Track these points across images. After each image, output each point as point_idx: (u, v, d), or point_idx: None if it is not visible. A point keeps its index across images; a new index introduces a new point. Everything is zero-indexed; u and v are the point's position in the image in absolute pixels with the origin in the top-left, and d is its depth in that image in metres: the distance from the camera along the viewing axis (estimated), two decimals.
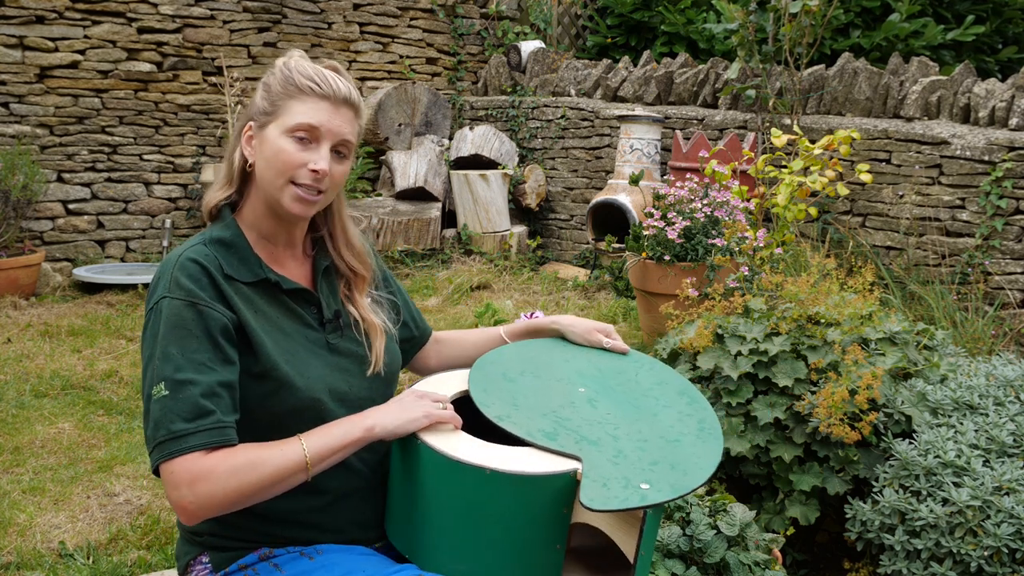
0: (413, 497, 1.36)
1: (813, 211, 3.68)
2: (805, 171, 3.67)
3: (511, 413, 1.39)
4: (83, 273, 5.41)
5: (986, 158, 4.26)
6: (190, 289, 1.29)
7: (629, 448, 1.35)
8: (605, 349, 1.64)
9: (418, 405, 1.35)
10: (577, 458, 1.30)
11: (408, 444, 1.34)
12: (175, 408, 1.22)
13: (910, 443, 2.12)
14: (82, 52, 5.74)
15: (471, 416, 1.45)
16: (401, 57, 7.07)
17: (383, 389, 1.49)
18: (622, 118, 5.66)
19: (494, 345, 1.69)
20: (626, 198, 5.44)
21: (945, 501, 1.98)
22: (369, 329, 1.47)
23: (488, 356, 1.57)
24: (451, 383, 1.52)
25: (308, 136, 1.36)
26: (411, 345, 1.68)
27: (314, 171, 1.35)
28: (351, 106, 1.39)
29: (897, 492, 2.06)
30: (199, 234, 1.40)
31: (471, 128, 6.53)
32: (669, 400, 1.51)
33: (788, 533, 2.27)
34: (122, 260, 5.96)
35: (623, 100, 6.29)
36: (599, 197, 5.62)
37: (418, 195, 6.30)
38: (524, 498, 1.27)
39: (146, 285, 5.33)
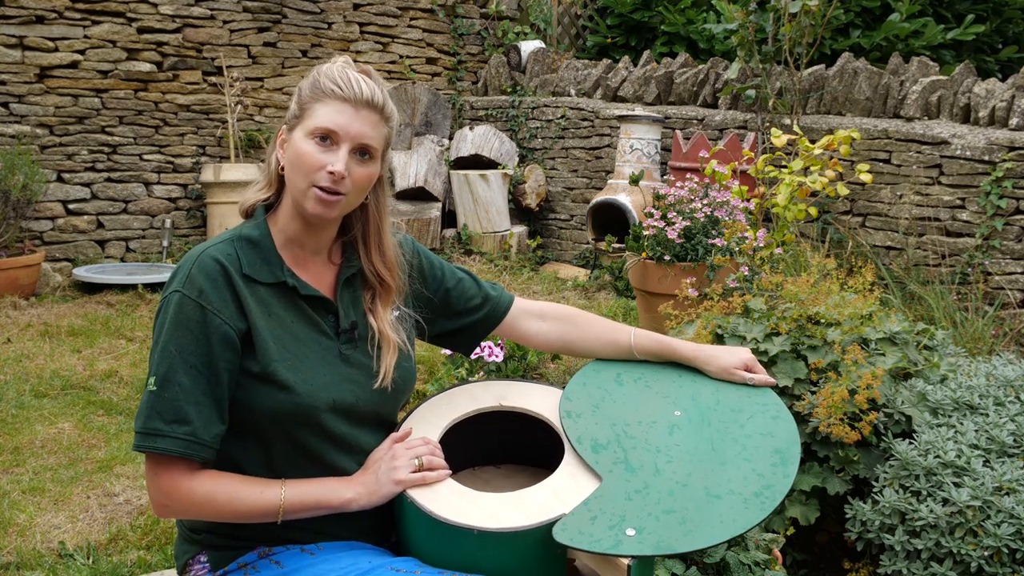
0: (408, 540, 1.39)
1: (813, 211, 3.68)
2: (805, 171, 3.67)
3: (583, 413, 1.40)
4: (83, 273, 5.41)
5: (986, 158, 4.26)
6: (202, 289, 1.31)
7: (660, 487, 1.31)
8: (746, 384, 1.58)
9: (392, 479, 1.36)
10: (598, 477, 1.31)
11: (398, 495, 1.37)
12: (158, 406, 1.29)
13: (910, 443, 2.12)
14: (82, 52, 5.74)
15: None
16: (401, 57, 7.07)
17: (391, 404, 1.48)
18: (622, 118, 5.66)
19: (616, 349, 1.63)
20: (626, 198, 5.44)
21: (945, 501, 1.97)
22: (383, 343, 1.45)
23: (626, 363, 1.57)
24: (442, 415, 1.51)
25: (329, 139, 1.36)
26: (487, 318, 1.63)
27: (331, 173, 1.35)
28: (374, 108, 1.38)
29: (897, 492, 2.06)
30: (230, 229, 1.42)
31: (471, 128, 6.53)
32: (755, 454, 1.38)
33: (788, 533, 2.27)
34: (122, 260, 5.96)
35: (623, 100, 6.29)
36: (599, 197, 5.62)
37: (418, 195, 6.30)
38: (514, 550, 1.29)
39: (146, 285, 5.33)
